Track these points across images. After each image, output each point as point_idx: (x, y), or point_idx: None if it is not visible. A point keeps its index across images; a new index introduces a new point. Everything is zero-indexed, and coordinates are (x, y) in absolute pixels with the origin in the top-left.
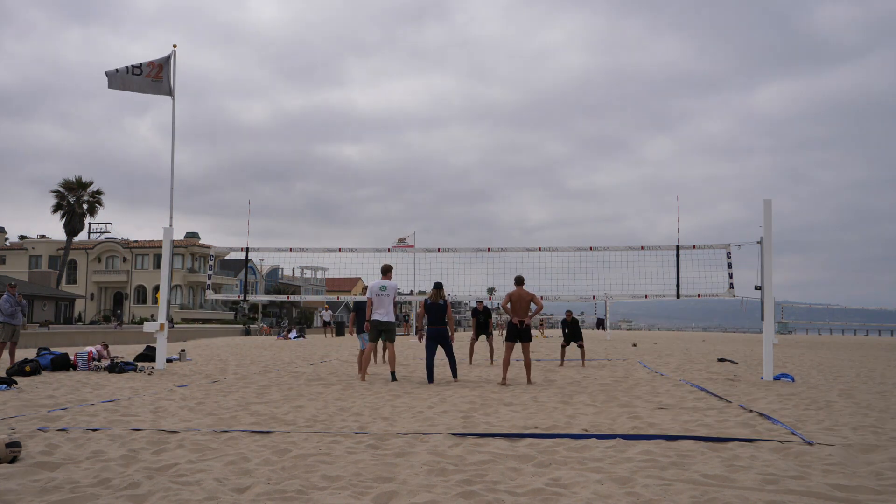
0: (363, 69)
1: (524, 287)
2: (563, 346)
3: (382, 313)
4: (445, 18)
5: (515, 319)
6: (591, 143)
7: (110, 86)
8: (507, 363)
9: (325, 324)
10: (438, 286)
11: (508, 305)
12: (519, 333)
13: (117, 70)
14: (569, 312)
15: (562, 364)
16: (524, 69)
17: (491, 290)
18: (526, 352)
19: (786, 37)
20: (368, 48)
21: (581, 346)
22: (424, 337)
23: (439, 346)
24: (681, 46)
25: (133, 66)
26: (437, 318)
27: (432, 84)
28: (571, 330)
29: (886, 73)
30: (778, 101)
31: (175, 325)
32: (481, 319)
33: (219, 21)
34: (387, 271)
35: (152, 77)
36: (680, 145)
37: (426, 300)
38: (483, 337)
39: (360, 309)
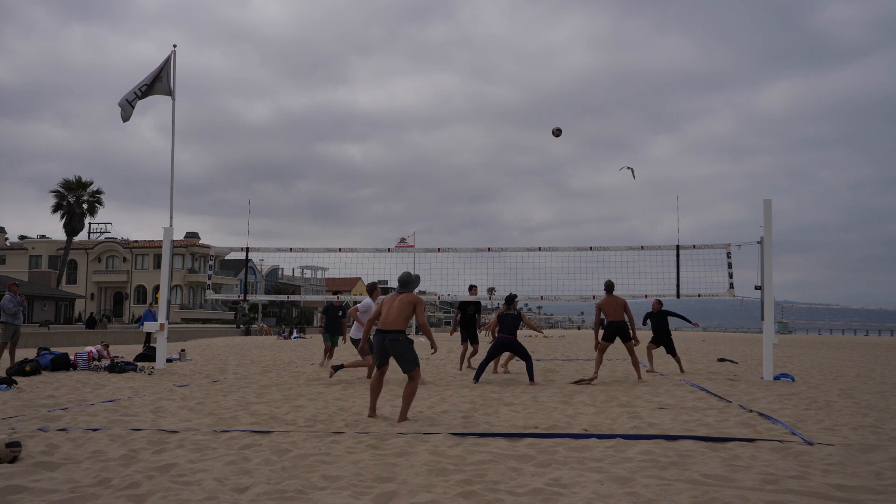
0: (366, 68)
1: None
2: (651, 348)
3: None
4: (449, 17)
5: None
6: (594, 142)
7: (125, 117)
8: (599, 362)
9: None
10: (510, 300)
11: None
12: (615, 332)
13: (128, 102)
14: (658, 302)
15: (651, 370)
16: (528, 68)
17: (491, 290)
18: (630, 351)
19: (790, 36)
20: (372, 47)
21: (675, 356)
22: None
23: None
24: (685, 46)
25: (136, 88)
26: (509, 328)
27: (436, 83)
28: (660, 326)
29: (890, 73)
30: (782, 101)
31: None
32: (470, 311)
33: (221, 19)
34: (372, 290)
35: (153, 79)
36: (683, 145)
37: (502, 312)
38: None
39: (327, 310)
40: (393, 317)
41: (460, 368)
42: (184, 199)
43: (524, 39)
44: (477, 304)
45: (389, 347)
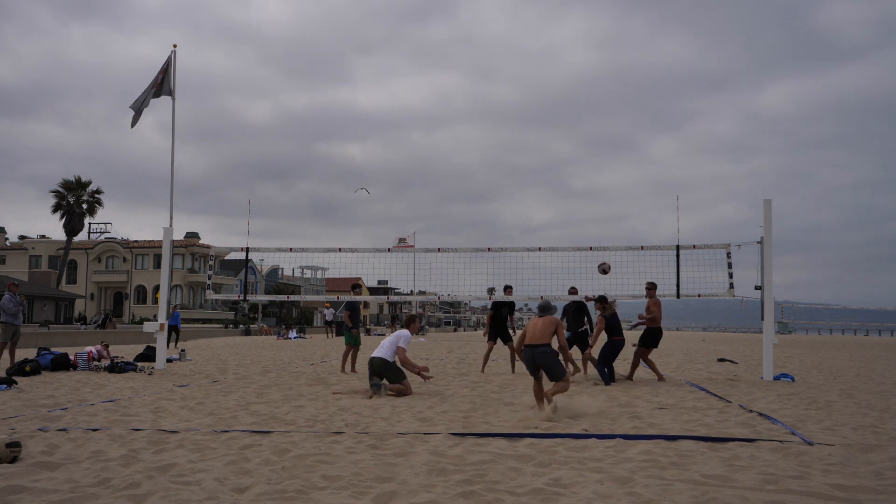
0: (367, 67)
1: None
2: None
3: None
4: (451, 16)
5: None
6: (596, 142)
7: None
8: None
9: (327, 323)
10: (603, 299)
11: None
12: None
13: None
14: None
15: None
16: (530, 68)
17: (491, 290)
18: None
19: (793, 35)
20: (373, 46)
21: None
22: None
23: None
24: (687, 45)
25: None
26: (615, 330)
27: (437, 82)
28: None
29: (893, 72)
30: (785, 100)
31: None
32: (504, 313)
33: (221, 19)
34: (411, 322)
35: (157, 82)
36: (684, 144)
37: (605, 316)
38: (500, 339)
39: (351, 306)
40: (539, 333)
41: (482, 370)
42: (184, 199)
43: (526, 39)
44: (511, 305)
45: (539, 359)
